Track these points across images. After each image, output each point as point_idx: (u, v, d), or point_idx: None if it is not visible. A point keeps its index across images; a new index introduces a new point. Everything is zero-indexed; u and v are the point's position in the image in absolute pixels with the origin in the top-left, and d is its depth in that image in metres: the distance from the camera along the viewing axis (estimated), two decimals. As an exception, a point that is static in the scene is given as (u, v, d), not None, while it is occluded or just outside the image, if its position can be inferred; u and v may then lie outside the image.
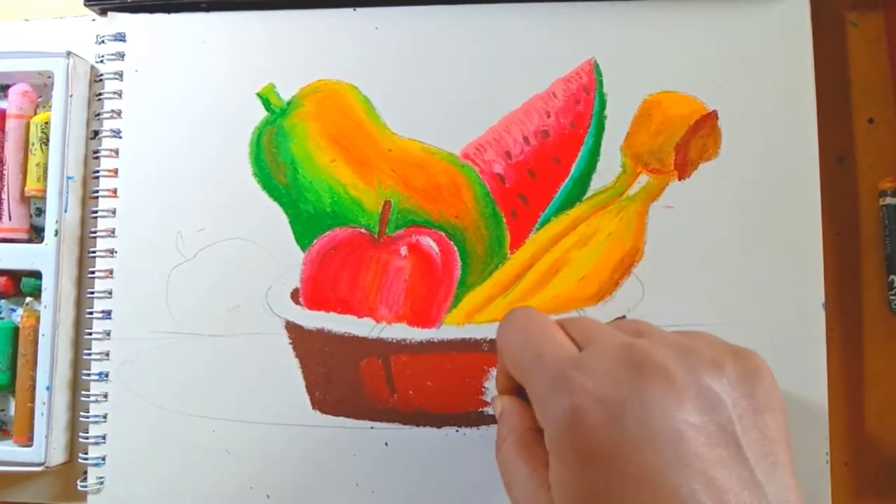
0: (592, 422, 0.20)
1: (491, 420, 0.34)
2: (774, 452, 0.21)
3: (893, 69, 0.35)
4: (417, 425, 0.34)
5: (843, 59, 0.35)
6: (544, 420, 0.22)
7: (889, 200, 0.34)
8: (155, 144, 0.35)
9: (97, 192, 0.35)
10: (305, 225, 0.35)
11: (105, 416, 0.34)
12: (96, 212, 0.35)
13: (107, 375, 0.34)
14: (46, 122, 0.35)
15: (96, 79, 0.36)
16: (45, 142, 0.35)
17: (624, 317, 0.33)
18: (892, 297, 0.34)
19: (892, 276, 0.34)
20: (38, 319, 0.34)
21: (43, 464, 0.33)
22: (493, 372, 0.34)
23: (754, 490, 0.19)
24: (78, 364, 0.35)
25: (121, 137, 0.35)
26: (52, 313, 0.34)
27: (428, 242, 0.34)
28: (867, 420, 0.34)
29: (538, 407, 0.22)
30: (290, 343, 0.34)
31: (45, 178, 0.35)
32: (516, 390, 0.26)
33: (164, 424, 0.34)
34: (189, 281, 0.35)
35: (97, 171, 0.35)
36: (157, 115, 0.35)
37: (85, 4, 0.36)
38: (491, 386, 0.34)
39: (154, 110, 0.36)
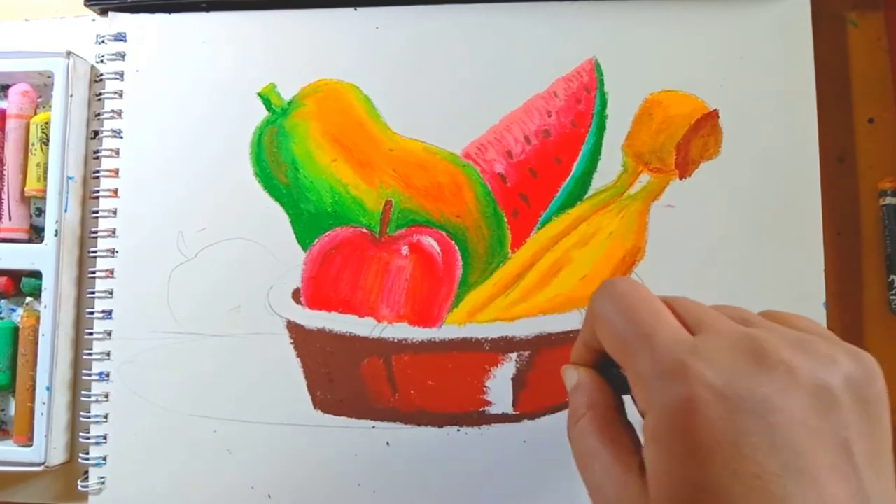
0: (709, 414, 0.19)
1: (492, 420, 0.34)
2: (881, 462, 0.20)
3: (893, 69, 0.35)
4: (419, 425, 0.34)
5: (843, 58, 0.36)
6: (649, 405, 0.21)
7: (889, 200, 0.34)
8: (155, 144, 0.35)
9: (97, 192, 0.35)
10: (306, 224, 0.35)
11: (106, 417, 0.34)
12: (96, 212, 0.35)
13: (108, 375, 0.34)
14: (46, 122, 0.35)
15: (96, 79, 0.36)
16: (46, 142, 0.35)
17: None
18: (892, 298, 0.34)
19: (892, 276, 0.34)
20: (38, 319, 0.34)
21: (43, 464, 0.33)
22: (495, 371, 0.34)
23: (861, 500, 0.19)
24: (78, 364, 0.35)
25: (121, 137, 0.35)
26: (52, 313, 0.34)
27: (429, 242, 0.34)
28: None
29: (642, 390, 0.21)
30: (292, 343, 0.34)
31: (46, 178, 0.35)
32: (597, 363, 0.25)
33: (165, 424, 0.34)
34: (190, 281, 0.35)
35: (97, 171, 0.35)
36: (158, 115, 0.36)
37: (85, 4, 0.36)
38: (492, 385, 0.34)
39: (154, 110, 0.36)
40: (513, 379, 0.34)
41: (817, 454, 0.19)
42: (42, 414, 0.33)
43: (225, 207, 0.35)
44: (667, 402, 0.20)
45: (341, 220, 0.35)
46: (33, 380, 0.34)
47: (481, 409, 0.34)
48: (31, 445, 0.33)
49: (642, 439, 0.21)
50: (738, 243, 0.33)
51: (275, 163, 0.35)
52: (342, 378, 0.34)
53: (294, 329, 0.34)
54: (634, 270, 0.34)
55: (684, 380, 0.20)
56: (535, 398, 0.34)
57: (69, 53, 0.35)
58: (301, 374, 0.34)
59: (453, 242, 0.34)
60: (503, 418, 0.33)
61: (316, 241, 0.35)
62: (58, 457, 0.34)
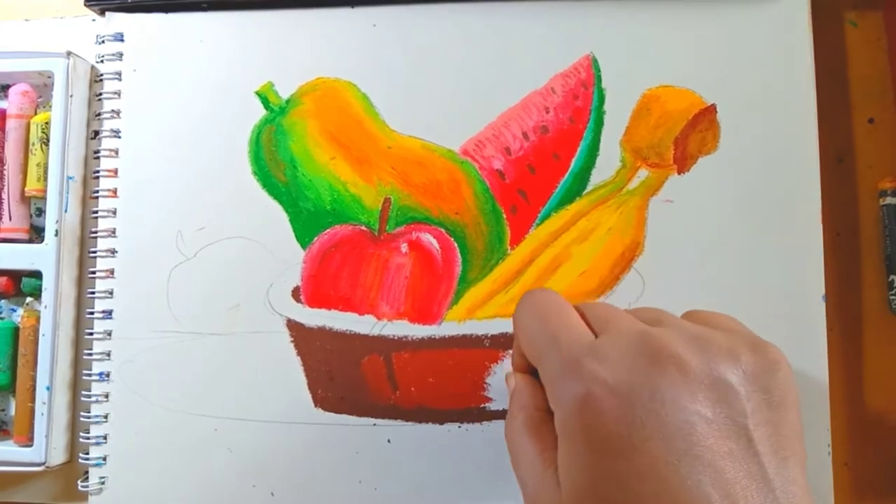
0: (603, 409, 0.20)
1: (493, 416, 0.34)
2: (786, 448, 0.20)
3: (893, 69, 0.35)
4: (419, 422, 0.34)
5: (843, 58, 0.35)
6: (555, 403, 0.22)
7: (889, 200, 0.34)
8: (154, 144, 0.35)
9: (97, 192, 0.35)
10: (305, 223, 0.35)
11: (106, 416, 0.34)
12: (96, 212, 0.35)
13: (108, 375, 0.34)
14: (46, 122, 0.35)
15: (97, 79, 0.36)
16: (46, 142, 0.35)
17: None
18: (892, 297, 0.34)
19: (892, 276, 0.34)
20: (38, 319, 0.34)
21: (43, 464, 0.33)
22: (495, 368, 0.34)
23: (762, 484, 0.19)
24: (78, 364, 0.35)
25: (120, 137, 0.35)
26: (52, 313, 0.34)
27: (428, 239, 0.34)
28: (867, 420, 0.34)
29: (550, 390, 0.23)
30: (292, 341, 0.34)
31: (46, 178, 0.35)
32: (531, 369, 0.26)
33: (165, 424, 0.34)
34: (189, 280, 0.35)
35: (97, 171, 0.35)
36: (156, 115, 0.35)
37: (85, 4, 0.36)
38: (493, 381, 0.34)
39: (153, 110, 0.35)
40: None
41: (712, 442, 0.19)
42: (42, 414, 0.33)
43: (224, 206, 0.35)
44: (567, 398, 0.21)
45: (340, 217, 0.35)
46: (33, 380, 0.34)
47: (482, 405, 0.34)
48: (31, 445, 0.33)
49: None
50: (737, 238, 0.33)
51: (273, 161, 0.35)
52: (342, 376, 0.34)
53: (294, 327, 0.34)
54: (633, 265, 0.34)
55: (580, 377, 0.21)
56: None
57: (69, 53, 0.35)
58: (301, 373, 0.34)
59: (452, 239, 0.34)
60: (504, 414, 0.33)
61: (315, 239, 0.35)
62: (58, 457, 0.34)
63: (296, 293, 0.34)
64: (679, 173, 0.34)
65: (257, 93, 0.35)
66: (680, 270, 0.33)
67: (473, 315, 0.34)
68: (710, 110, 0.34)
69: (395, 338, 0.34)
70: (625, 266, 0.34)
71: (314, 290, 0.34)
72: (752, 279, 0.33)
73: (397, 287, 0.34)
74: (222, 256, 0.35)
